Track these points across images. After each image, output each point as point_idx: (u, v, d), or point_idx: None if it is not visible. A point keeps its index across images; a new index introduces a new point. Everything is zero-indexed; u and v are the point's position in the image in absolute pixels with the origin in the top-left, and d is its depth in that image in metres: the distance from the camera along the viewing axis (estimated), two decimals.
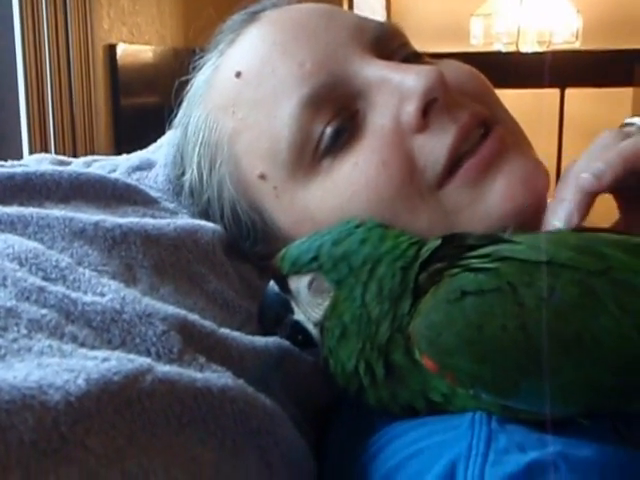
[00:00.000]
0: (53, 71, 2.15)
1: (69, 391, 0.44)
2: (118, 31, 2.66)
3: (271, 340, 0.68)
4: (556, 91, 4.35)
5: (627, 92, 4.59)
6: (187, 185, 0.86)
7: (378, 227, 0.69)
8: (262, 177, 0.79)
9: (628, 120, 0.75)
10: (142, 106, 2.73)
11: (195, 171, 0.85)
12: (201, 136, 0.84)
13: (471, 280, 0.59)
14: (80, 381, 0.46)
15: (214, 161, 0.83)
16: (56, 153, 2.08)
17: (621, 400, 0.57)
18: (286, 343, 0.70)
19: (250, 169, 0.80)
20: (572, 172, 0.70)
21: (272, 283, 0.73)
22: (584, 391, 0.56)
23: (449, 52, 4.52)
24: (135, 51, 2.77)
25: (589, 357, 0.55)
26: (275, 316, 0.73)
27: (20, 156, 1.19)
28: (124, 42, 2.70)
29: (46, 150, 2.08)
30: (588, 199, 0.68)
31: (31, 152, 2.06)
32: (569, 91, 4.35)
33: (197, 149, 0.85)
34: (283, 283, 0.72)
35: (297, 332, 0.72)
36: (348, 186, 0.75)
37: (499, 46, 4.83)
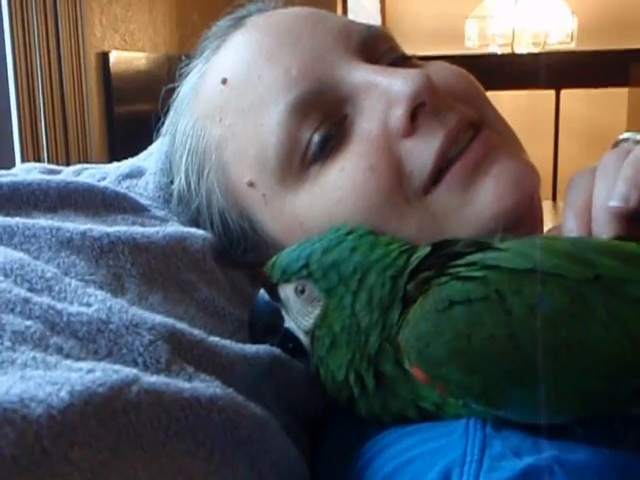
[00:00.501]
0: (44, 80, 2.14)
1: (52, 404, 0.44)
2: (111, 38, 2.65)
3: (262, 348, 0.67)
4: (552, 92, 4.35)
5: (622, 92, 4.59)
6: (176, 193, 0.86)
7: (369, 234, 0.68)
8: (251, 185, 0.79)
9: (622, 136, 0.73)
10: (136, 114, 2.72)
11: (183, 179, 0.85)
12: (189, 144, 0.84)
13: (458, 289, 0.58)
14: (63, 393, 0.45)
15: (202, 169, 0.83)
16: (49, 162, 2.06)
17: (614, 407, 0.56)
18: (277, 351, 0.69)
19: (239, 177, 0.79)
20: (596, 204, 0.67)
21: (262, 291, 0.72)
22: (576, 399, 0.56)
23: (444, 55, 4.52)
24: (128, 58, 2.76)
25: (580, 365, 0.55)
26: (265, 325, 0.72)
27: (12, 165, 1.18)
28: (117, 49, 2.69)
29: (39, 159, 2.07)
30: (622, 225, 0.65)
31: (23, 161, 2.05)
32: (565, 92, 4.35)
33: (185, 157, 0.84)
34: (273, 291, 0.71)
35: (288, 340, 0.71)
36: (335, 191, 0.74)
37: (494, 48, 4.83)
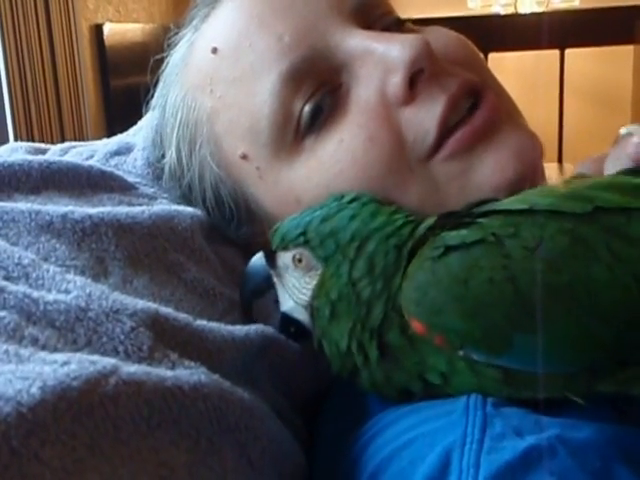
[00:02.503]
0: (35, 56, 2.09)
1: (21, 402, 0.42)
2: (104, 10, 2.60)
3: (254, 328, 0.65)
4: (556, 52, 4.30)
5: (628, 50, 4.53)
6: (167, 168, 0.84)
7: (372, 202, 0.66)
8: (244, 157, 0.76)
9: (622, 131, 0.70)
10: (133, 86, 2.67)
11: (174, 153, 0.82)
12: (179, 117, 0.81)
13: (454, 235, 0.57)
14: (34, 389, 0.43)
15: (194, 142, 0.80)
16: (42, 140, 2.04)
17: (623, 355, 0.54)
18: (270, 330, 0.67)
19: (231, 150, 0.77)
20: None
21: (258, 256, 0.70)
22: (582, 345, 0.53)
23: (447, 17, 4.46)
24: (123, 30, 2.70)
25: (583, 308, 0.53)
26: (255, 287, 0.71)
27: (5, 144, 1.15)
28: (111, 21, 2.64)
29: (32, 137, 2.04)
30: None
31: (16, 140, 2.02)
32: (569, 51, 4.30)
33: (176, 130, 0.82)
34: (272, 258, 0.69)
35: (288, 324, 0.69)
36: (334, 163, 0.72)
37: (497, 8, 4.77)
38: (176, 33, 0.86)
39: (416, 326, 0.57)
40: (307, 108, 0.72)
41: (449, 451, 0.52)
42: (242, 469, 0.54)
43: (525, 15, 4.61)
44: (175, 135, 0.82)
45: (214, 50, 0.77)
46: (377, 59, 0.72)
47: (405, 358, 0.60)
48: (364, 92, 0.72)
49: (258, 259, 0.70)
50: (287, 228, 0.67)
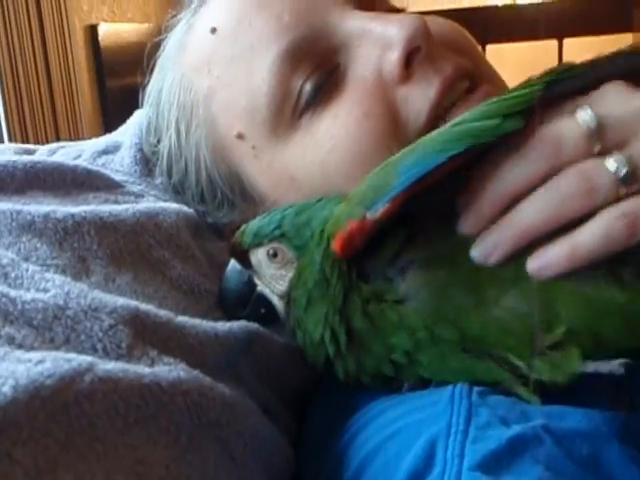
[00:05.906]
0: (28, 59, 2.09)
1: None
2: (98, 10, 2.60)
3: (237, 324, 0.65)
4: (554, 42, 4.29)
5: (626, 38, 4.51)
6: (166, 151, 0.84)
7: (338, 197, 0.67)
8: (240, 137, 0.77)
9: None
10: (129, 86, 2.67)
11: (173, 134, 0.83)
12: (176, 99, 0.82)
13: None
14: (6, 388, 0.42)
15: (190, 124, 0.81)
16: (37, 142, 2.03)
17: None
18: (254, 325, 0.67)
19: (227, 129, 0.78)
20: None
21: (233, 262, 0.71)
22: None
23: (444, 9, 4.46)
24: (118, 30, 2.70)
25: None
26: (237, 297, 0.71)
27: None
28: (105, 21, 2.64)
29: (27, 139, 2.03)
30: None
31: (11, 142, 2.02)
32: (567, 41, 4.30)
33: (173, 112, 0.83)
34: (244, 258, 0.70)
35: (260, 305, 0.70)
36: (328, 139, 0.73)
37: (495, 0, 4.77)
38: (174, 16, 0.87)
39: (336, 246, 0.59)
40: (306, 86, 0.73)
41: (434, 442, 0.52)
42: (224, 465, 0.54)
43: (523, 6, 4.61)
44: (172, 117, 0.82)
45: (213, 30, 0.77)
46: (375, 38, 0.73)
47: (372, 342, 0.60)
48: (361, 70, 0.73)
49: (232, 267, 0.71)
50: (258, 225, 0.68)
